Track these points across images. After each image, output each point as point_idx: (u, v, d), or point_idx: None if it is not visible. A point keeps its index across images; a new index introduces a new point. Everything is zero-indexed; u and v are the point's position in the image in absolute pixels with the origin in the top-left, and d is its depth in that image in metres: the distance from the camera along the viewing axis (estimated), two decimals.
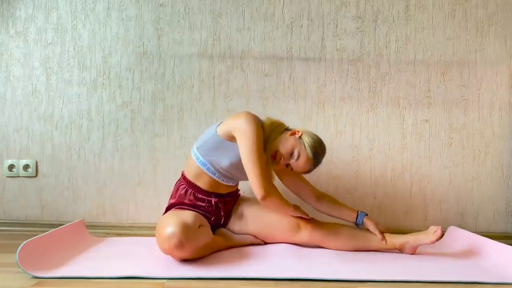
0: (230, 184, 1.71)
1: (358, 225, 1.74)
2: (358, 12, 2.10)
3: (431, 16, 2.10)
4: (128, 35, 2.10)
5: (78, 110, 2.09)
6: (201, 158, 1.64)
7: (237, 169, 1.62)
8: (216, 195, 1.68)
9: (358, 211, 1.75)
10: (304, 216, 1.69)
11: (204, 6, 2.09)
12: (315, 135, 1.67)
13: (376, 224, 1.71)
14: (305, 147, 1.60)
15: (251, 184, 1.55)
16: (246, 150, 1.53)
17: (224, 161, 1.61)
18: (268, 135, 1.63)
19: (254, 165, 1.52)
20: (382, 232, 1.70)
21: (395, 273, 1.41)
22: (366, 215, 1.74)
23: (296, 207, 1.70)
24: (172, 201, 1.68)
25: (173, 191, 1.72)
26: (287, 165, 1.64)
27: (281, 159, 1.62)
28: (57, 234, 1.59)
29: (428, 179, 2.10)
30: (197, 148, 1.66)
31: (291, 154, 1.61)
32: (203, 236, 1.51)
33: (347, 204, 2.05)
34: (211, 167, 1.63)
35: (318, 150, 1.62)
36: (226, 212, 1.74)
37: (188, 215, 1.52)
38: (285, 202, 1.64)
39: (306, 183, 1.82)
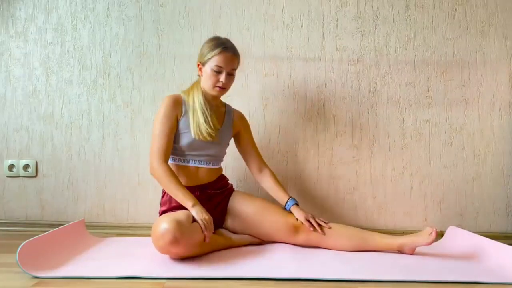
0: (211, 166, 1.74)
1: (286, 209, 1.76)
2: (358, 12, 2.10)
3: (431, 16, 2.11)
4: (128, 35, 2.10)
5: (78, 110, 2.09)
6: None
7: (199, 143, 1.67)
8: (200, 188, 1.70)
9: (289, 197, 1.77)
10: (201, 224, 1.50)
11: (204, 6, 2.09)
12: (200, 48, 1.72)
13: (306, 213, 1.70)
14: (209, 58, 1.65)
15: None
16: (153, 126, 1.66)
17: (182, 143, 1.67)
18: (192, 95, 1.70)
19: (153, 140, 1.64)
20: (319, 224, 1.70)
21: (395, 273, 1.41)
22: (296, 204, 1.75)
23: (197, 207, 1.54)
24: (162, 208, 1.71)
25: (160, 199, 1.75)
26: (229, 74, 1.68)
27: (220, 83, 1.66)
28: (57, 234, 1.59)
29: (428, 179, 2.10)
30: None
31: (216, 73, 1.66)
32: (198, 232, 1.51)
33: (347, 204, 2.07)
34: (180, 157, 1.69)
35: (211, 44, 1.68)
36: (214, 208, 1.74)
37: (180, 213, 1.52)
38: (177, 187, 1.57)
39: (254, 152, 1.86)
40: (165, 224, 1.41)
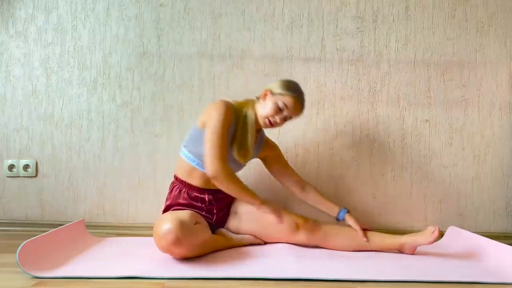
0: None
1: (339, 220, 1.77)
2: (358, 12, 2.10)
3: (431, 16, 2.10)
4: (128, 35, 2.10)
5: (78, 110, 2.09)
6: (188, 154, 1.67)
7: (230, 159, 1.64)
8: (210, 191, 1.69)
9: (340, 208, 1.77)
10: (275, 215, 1.60)
11: (204, 6, 2.09)
12: (278, 80, 1.70)
13: (357, 221, 1.72)
14: (282, 94, 1.63)
15: (204, 162, 1.57)
16: (208, 132, 1.58)
17: None
18: (245, 112, 1.67)
19: (212, 145, 1.55)
20: (365, 229, 1.72)
21: (395, 273, 1.41)
22: (348, 212, 1.76)
23: (267, 202, 1.62)
24: (168, 203, 1.70)
25: (167, 194, 1.74)
26: (285, 119, 1.66)
27: (276, 119, 1.64)
28: (57, 234, 1.59)
29: (428, 179, 2.10)
30: (184, 146, 1.70)
31: (278, 109, 1.63)
32: (200, 233, 1.51)
33: (347, 204, 2.06)
34: (200, 162, 1.65)
35: (292, 85, 1.67)
36: (221, 210, 1.75)
37: (183, 213, 1.53)
38: (244, 189, 1.59)
39: (293, 172, 1.85)
40: (168, 224, 1.41)
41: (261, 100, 1.68)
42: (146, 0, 2.09)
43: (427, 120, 2.10)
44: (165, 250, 1.44)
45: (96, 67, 2.10)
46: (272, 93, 1.65)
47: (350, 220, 1.73)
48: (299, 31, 2.10)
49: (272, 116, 1.64)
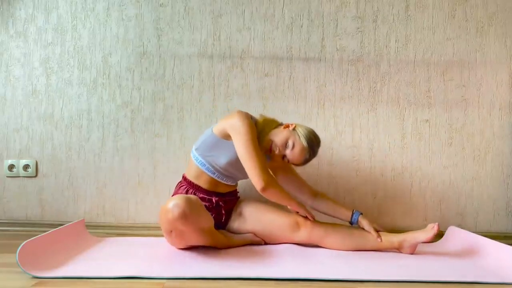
0: (230, 183, 1.73)
1: (353, 224, 1.76)
2: (358, 12, 2.10)
3: (431, 16, 2.10)
4: (128, 35, 2.10)
5: (78, 110, 2.09)
6: (200, 158, 1.67)
7: (235, 167, 1.66)
8: (217, 194, 1.70)
9: (353, 210, 1.77)
10: (308, 215, 1.70)
11: (204, 6, 2.09)
12: (308, 127, 1.71)
13: (371, 223, 1.72)
14: (299, 137, 1.65)
15: (250, 177, 1.58)
16: (241, 145, 1.57)
17: (222, 160, 1.64)
18: (261, 130, 1.68)
19: (251, 157, 1.56)
20: (377, 231, 1.72)
21: (395, 273, 1.41)
22: (361, 214, 1.75)
23: (301, 204, 1.71)
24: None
25: (177, 189, 1.74)
26: (283, 157, 1.67)
27: (276, 150, 1.65)
28: (57, 234, 1.59)
29: (428, 179, 2.10)
30: (195, 149, 1.70)
31: (286, 144, 1.64)
32: (205, 216, 1.52)
33: (347, 204, 2.06)
34: (210, 167, 1.66)
35: (313, 139, 1.67)
36: (227, 211, 1.75)
37: (191, 195, 1.55)
38: (286, 194, 1.66)
39: (303, 181, 1.84)
40: (175, 200, 1.43)
41: (281, 127, 1.70)
42: (146, 0, 2.09)
43: (427, 120, 2.10)
44: (170, 225, 1.45)
45: (96, 67, 2.10)
46: (294, 130, 1.67)
47: (363, 223, 1.72)
48: (299, 31, 2.10)
49: (279, 150, 1.65)
